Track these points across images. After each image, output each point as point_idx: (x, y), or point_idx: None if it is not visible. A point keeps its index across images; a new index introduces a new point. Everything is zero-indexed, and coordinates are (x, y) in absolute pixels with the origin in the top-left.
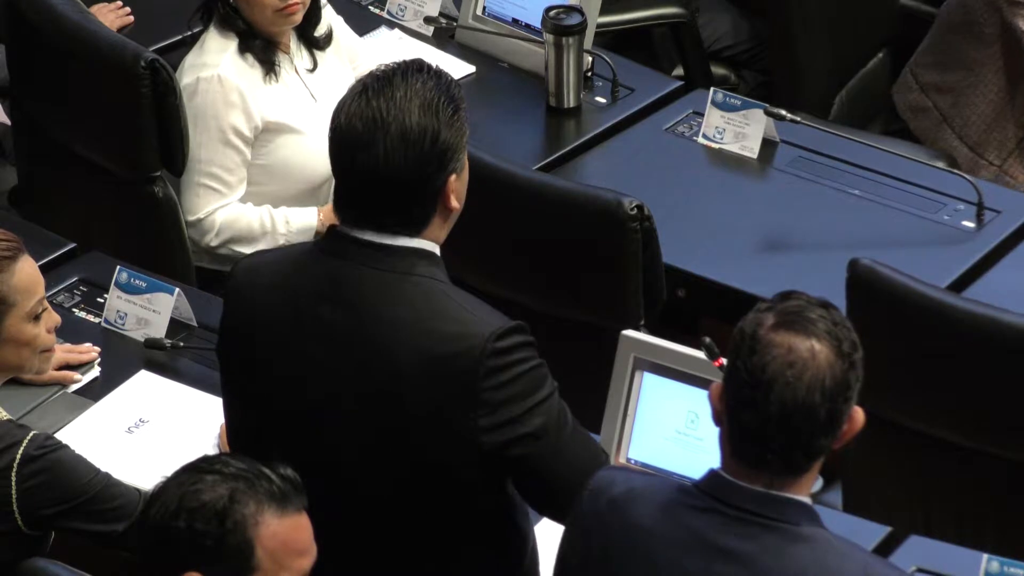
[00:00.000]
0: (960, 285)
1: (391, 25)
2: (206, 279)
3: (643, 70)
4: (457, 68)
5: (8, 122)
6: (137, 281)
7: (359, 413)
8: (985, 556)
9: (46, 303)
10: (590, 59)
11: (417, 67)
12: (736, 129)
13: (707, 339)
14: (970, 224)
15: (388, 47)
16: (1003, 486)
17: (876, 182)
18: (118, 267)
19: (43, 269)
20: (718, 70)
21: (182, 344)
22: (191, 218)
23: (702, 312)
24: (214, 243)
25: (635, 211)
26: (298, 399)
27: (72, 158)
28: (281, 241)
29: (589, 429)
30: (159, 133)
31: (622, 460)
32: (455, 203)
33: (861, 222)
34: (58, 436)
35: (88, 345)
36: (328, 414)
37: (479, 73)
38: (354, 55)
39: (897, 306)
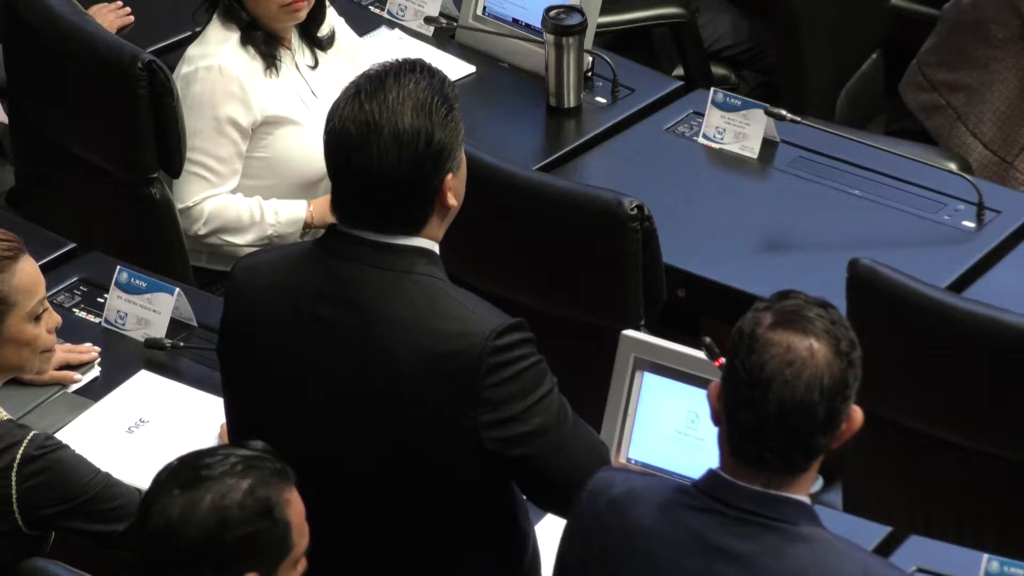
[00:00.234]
0: (960, 285)
1: (391, 25)
2: (204, 280)
3: (643, 70)
4: (457, 68)
5: (6, 120)
6: (137, 281)
7: (359, 412)
8: (985, 556)
9: (47, 303)
10: (590, 59)
11: (410, 67)
12: (736, 129)
13: (707, 339)
14: (970, 224)
15: (388, 47)
16: (1003, 486)
17: (876, 182)
18: (118, 267)
19: (43, 269)
20: (718, 70)
21: (182, 344)
22: (180, 206)
23: (702, 312)
24: (202, 231)
25: (635, 211)
26: (298, 399)
27: (70, 159)
28: (269, 232)
29: None
30: (156, 134)
31: (622, 460)
32: (452, 201)
33: (861, 222)
34: (58, 436)
35: (88, 345)
36: (328, 414)
37: (479, 73)
38: (355, 56)
39: (897, 306)
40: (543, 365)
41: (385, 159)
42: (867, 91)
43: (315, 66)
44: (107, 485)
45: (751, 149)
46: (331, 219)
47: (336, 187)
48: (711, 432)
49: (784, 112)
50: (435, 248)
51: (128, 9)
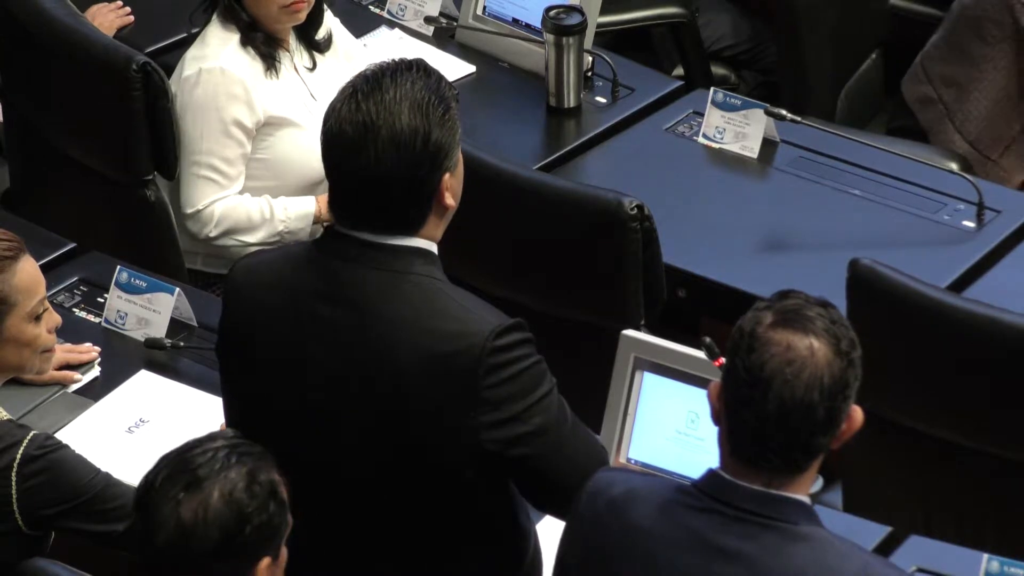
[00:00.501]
0: (960, 285)
1: (391, 25)
2: (199, 283)
3: (643, 70)
4: (457, 68)
5: (0, 121)
6: (137, 281)
7: (359, 412)
8: (985, 556)
9: (47, 303)
10: (590, 59)
11: (406, 66)
12: (736, 129)
13: (707, 339)
14: (970, 224)
15: (388, 47)
16: (1003, 486)
17: (876, 182)
18: (118, 267)
19: (43, 269)
20: (718, 70)
21: (182, 344)
22: (190, 210)
23: (702, 312)
24: (213, 234)
25: (635, 211)
26: (298, 399)
27: (65, 161)
28: (280, 228)
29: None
30: (151, 137)
31: (622, 460)
32: (450, 201)
33: (861, 222)
34: (58, 436)
35: (88, 345)
36: (328, 414)
37: (479, 73)
38: (351, 56)
39: (897, 306)
40: (543, 365)
41: (382, 159)
42: (867, 91)
43: (313, 68)
44: (107, 485)
45: (751, 149)
46: None
47: (334, 188)
48: (711, 432)
49: (784, 112)
50: (433, 248)
51: (128, 9)
